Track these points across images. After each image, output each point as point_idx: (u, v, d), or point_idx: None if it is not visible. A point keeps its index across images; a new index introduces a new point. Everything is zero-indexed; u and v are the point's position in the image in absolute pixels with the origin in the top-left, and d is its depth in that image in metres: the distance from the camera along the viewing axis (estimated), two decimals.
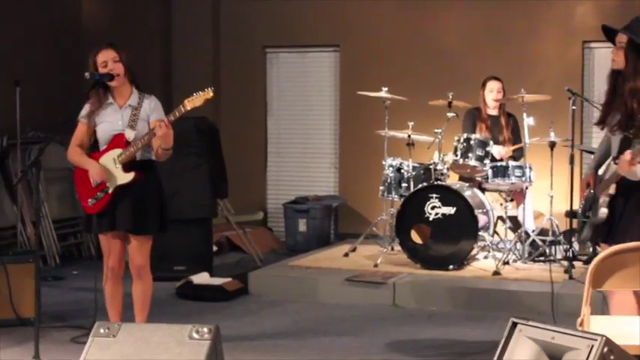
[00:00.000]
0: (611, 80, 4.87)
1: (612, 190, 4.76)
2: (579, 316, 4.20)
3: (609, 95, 4.88)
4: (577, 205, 8.74)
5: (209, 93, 5.32)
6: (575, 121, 7.84)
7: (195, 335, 3.63)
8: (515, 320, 3.73)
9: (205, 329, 3.63)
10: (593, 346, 3.38)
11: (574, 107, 7.77)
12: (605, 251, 4.11)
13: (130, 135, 5.49)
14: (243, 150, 10.90)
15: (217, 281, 7.80)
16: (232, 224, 9.31)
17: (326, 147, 10.97)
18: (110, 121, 5.53)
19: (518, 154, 8.57)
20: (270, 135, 11.21)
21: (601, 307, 5.79)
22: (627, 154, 4.46)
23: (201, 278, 7.88)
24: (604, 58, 9.75)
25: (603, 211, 4.78)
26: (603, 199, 4.80)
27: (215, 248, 9.33)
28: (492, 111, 8.71)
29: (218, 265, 8.85)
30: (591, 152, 8.74)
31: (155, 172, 5.67)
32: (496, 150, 8.41)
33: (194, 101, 5.31)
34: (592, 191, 4.99)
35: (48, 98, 9.74)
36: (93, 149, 5.61)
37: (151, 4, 11.24)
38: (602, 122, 4.93)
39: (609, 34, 4.92)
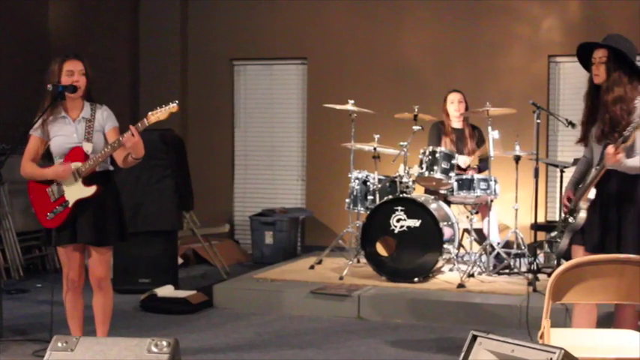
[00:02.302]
0: (591, 97, 5.09)
1: (592, 194, 4.95)
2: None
3: (590, 111, 5.08)
4: (542, 218, 8.86)
5: (174, 107, 5.28)
6: (540, 135, 7.90)
7: (154, 349, 3.61)
8: (476, 333, 3.74)
9: (164, 343, 3.61)
10: (552, 358, 3.39)
11: (539, 121, 7.83)
12: (564, 264, 4.13)
13: (87, 148, 5.44)
14: (210, 162, 10.89)
15: (182, 294, 7.77)
16: (198, 236, 9.27)
17: (293, 159, 10.98)
18: (65, 134, 5.47)
19: (483, 166, 8.61)
20: (237, 147, 11.20)
21: (564, 319, 5.83)
22: (610, 147, 4.73)
23: (166, 291, 7.85)
24: (569, 72, 9.84)
25: (582, 216, 4.97)
26: (583, 204, 4.97)
27: (181, 261, 9.30)
28: (457, 124, 8.76)
29: (184, 277, 8.83)
30: (556, 165, 8.81)
31: (113, 182, 5.63)
32: (462, 160, 8.46)
33: (158, 115, 5.27)
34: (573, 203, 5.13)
35: (14, 110, 9.68)
36: (47, 163, 5.55)
37: (119, 15, 11.20)
38: (584, 139, 5.14)
39: (582, 56, 5.13)
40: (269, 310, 7.53)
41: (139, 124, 5.26)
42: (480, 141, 8.72)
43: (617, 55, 4.93)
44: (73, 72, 5.43)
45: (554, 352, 3.41)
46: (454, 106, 8.66)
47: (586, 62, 5.15)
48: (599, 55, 4.98)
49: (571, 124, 7.76)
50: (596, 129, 5.00)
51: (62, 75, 5.42)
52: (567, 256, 5.28)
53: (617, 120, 4.85)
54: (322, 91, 10.34)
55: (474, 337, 3.75)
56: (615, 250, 4.84)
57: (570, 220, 5.10)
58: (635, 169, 4.88)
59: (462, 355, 3.73)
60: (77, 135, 5.47)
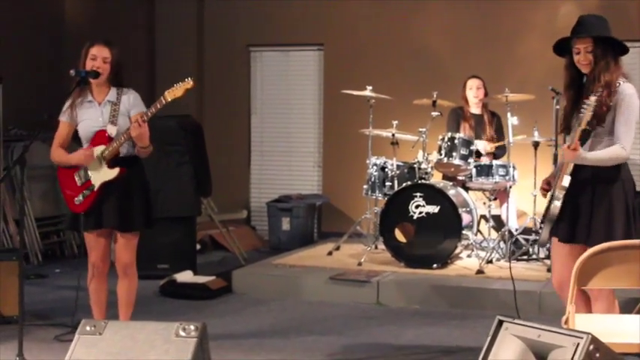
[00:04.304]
0: (575, 86, 4.93)
1: (566, 182, 4.78)
2: (563, 315, 4.21)
3: (574, 101, 4.91)
4: None
5: (189, 83, 5.30)
6: (558, 121, 7.86)
7: (181, 333, 3.63)
8: (502, 318, 3.75)
9: (192, 327, 3.63)
10: (579, 343, 3.40)
11: (558, 107, 7.80)
12: (590, 250, 4.12)
13: (111, 131, 5.47)
14: (226, 148, 10.88)
15: (201, 279, 7.79)
16: (216, 223, 9.29)
17: (310, 146, 10.97)
18: (90, 118, 5.51)
19: (500, 153, 8.60)
20: (254, 133, 11.19)
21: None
22: (565, 145, 4.63)
23: (185, 276, 7.86)
24: None
25: (556, 205, 4.81)
26: (558, 193, 4.84)
27: (198, 247, 9.31)
28: (475, 110, 8.75)
29: (201, 263, 8.83)
30: None
31: (140, 168, 5.64)
32: (481, 145, 8.46)
33: (174, 92, 5.29)
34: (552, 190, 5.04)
35: (30, 95, 9.70)
36: (78, 147, 5.59)
37: (135, 2, 11.20)
38: (567, 128, 4.95)
39: (562, 49, 4.98)
40: (288, 296, 7.55)
41: (157, 104, 5.28)
42: (499, 127, 8.71)
43: (601, 41, 4.77)
44: (96, 57, 5.45)
45: (582, 337, 3.42)
46: (473, 92, 8.66)
47: (560, 50, 5.00)
48: (584, 45, 4.79)
49: None
50: (577, 115, 4.84)
51: (87, 59, 5.45)
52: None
53: (600, 103, 4.66)
54: (339, 77, 10.31)
55: (500, 323, 3.75)
56: (584, 242, 4.70)
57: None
58: (602, 162, 4.72)
59: (488, 339, 3.74)
60: (102, 118, 5.50)
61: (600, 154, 4.72)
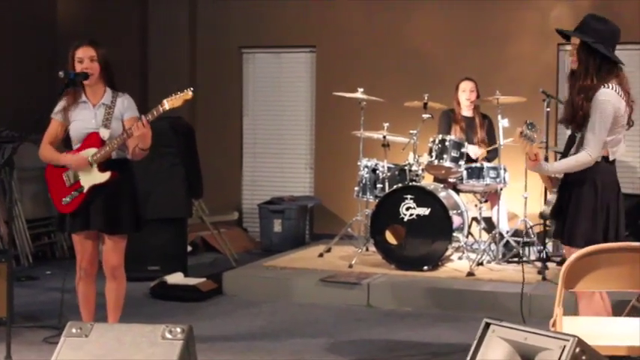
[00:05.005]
0: (570, 80, 5.02)
1: (556, 186, 4.94)
2: (552, 317, 4.21)
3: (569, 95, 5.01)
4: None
5: (188, 94, 5.29)
6: (549, 123, 7.89)
7: (168, 335, 3.62)
8: (489, 321, 3.75)
9: (178, 329, 3.62)
10: (565, 346, 3.40)
11: (548, 109, 7.82)
12: (578, 252, 4.13)
13: (104, 134, 5.46)
14: (218, 150, 10.88)
15: (191, 281, 7.78)
16: (207, 224, 9.28)
17: (301, 147, 10.97)
18: (83, 119, 5.49)
19: (492, 156, 8.61)
20: (246, 135, 11.18)
21: (574, 308, 5.83)
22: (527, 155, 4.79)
23: (176, 278, 7.86)
24: None
25: (544, 208, 4.99)
26: (551, 197, 4.98)
27: (190, 248, 9.31)
28: (467, 112, 8.75)
29: (193, 265, 8.82)
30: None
31: (130, 170, 5.63)
32: (472, 150, 8.46)
33: (173, 101, 5.28)
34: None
35: (21, 97, 9.68)
36: (66, 148, 5.58)
37: (128, 3, 11.19)
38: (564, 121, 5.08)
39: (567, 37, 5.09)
40: (279, 298, 7.54)
41: (154, 112, 5.27)
42: (490, 130, 8.70)
43: (588, 45, 4.81)
44: (82, 59, 5.44)
45: (568, 340, 3.42)
46: (466, 94, 8.65)
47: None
48: (574, 42, 4.88)
49: None
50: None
51: (74, 62, 5.44)
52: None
53: (577, 108, 4.77)
54: (331, 80, 10.32)
55: (487, 325, 3.75)
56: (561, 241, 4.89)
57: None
58: (568, 170, 4.85)
59: (475, 342, 3.74)
60: (95, 121, 5.49)
61: (562, 163, 4.88)
